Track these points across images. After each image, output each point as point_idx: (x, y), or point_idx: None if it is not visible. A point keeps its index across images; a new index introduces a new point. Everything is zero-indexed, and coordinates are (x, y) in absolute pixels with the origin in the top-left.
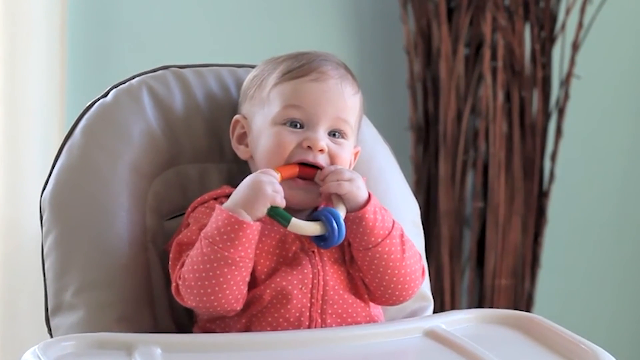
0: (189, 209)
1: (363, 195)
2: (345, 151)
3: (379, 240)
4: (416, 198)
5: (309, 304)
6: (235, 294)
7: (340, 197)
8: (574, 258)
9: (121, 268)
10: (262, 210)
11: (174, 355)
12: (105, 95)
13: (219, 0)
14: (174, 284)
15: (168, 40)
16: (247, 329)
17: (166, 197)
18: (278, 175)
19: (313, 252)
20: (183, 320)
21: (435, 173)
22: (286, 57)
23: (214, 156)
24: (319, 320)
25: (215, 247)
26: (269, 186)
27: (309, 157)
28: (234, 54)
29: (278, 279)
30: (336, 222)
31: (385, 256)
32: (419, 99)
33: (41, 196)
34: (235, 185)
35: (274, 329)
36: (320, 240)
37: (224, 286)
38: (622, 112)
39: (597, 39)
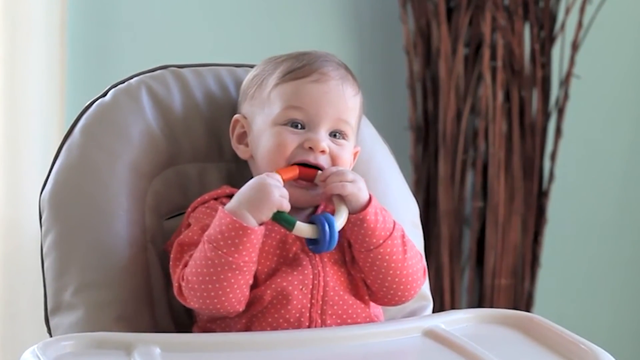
0: (189, 209)
1: (365, 197)
2: (346, 152)
3: (381, 241)
4: (416, 198)
5: (309, 305)
6: (238, 296)
7: (342, 199)
8: (574, 258)
9: (120, 268)
10: (268, 215)
11: (174, 355)
12: (104, 95)
13: (219, 0)
14: (176, 284)
15: (167, 40)
16: (247, 329)
17: (165, 197)
18: (280, 178)
19: (313, 253)
20: (182, 320)
21: (435, 173)
22: (287, 57)
23: (213, 156)
24: (319, 321)
25: (220, 252)
26: (276, 190)
27: (310, 158)
28: (234, 54)
29: (278, 280)
30: (330, 229)
31: (387, 257)
32: (419, 98)
33: (40, 196)
34: (235, 185)
35: (274, 329)
36: (311, 244)
37: (227, 290)
38: (622, 112)
39: (596, 38)
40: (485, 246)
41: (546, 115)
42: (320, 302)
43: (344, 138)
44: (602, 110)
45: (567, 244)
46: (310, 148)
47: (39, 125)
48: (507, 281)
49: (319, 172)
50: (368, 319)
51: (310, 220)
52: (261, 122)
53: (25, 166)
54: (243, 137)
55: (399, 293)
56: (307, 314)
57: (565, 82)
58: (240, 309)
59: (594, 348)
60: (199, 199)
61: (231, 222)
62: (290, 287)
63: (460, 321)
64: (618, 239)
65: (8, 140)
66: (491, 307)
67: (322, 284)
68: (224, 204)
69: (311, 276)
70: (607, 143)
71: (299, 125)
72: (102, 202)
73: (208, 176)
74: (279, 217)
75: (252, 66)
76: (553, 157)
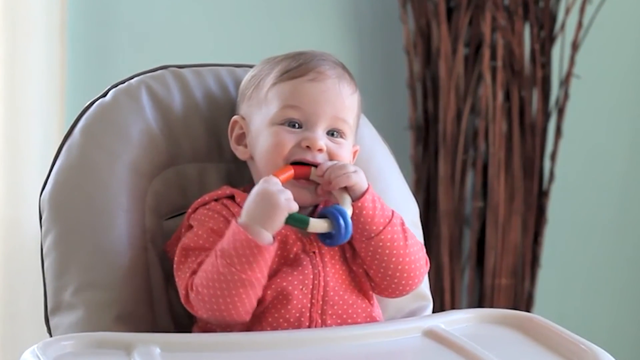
0: (190, 210)
1: (365, 186)
2: (344, 150)
3: (380, 228)
4: (416, 198)
5: (309, 305)
6: (247, 308)
7: (346, 190)
8: (574, 258)
9: (120, 268)
10: (281, 221)
11: (173, 355)
12: (104, 95)
13: (219, 0)
14: (183, 292)
15: (167, 40)
16: (247, 329)
17: (165, 197)
18: (278, 181)
19: (314, 253)
20: (182, 320)
21: (435, 173)
22: (283, 57)
23: (213, 156)
24: (319, 321)
25: (233, 269)
26: (281, 195)
27: (308, 157)
28: (234, 54)
29: (279, 280)
30: (343, 219)
31: (389, 244)
32: (419, 98)
33: (40, 196)
34: (234, 185)
35: (274, 329)
36: (326, 238)
37: (238, 304)
38: (622, 112)
39: (596, 38)
40: (485, 246)
41: (546, 115)
42: (321, 302)
43: (341, 137)
44: (602, 110)
45: (567, 244)
46: (307, 147)
47: (39, 125)
48: (507, 281)
49: (313, 168)
50: (369, 319)
51: (320, 215)
52: (259, 122)
53: (25, 166)
54: (242, 138)
55: (403, 282)
56: (307, 314)
57: (565, 82)
58: (248, 319)
59: (594, 348)
60: (199, 200)
61: (246, 240)
62: (290, 287)
63: (460, 321)
64: (618, 239)
65: (8, 140)
66: (491, 307)
67: (322, 284)
68: (225, 205)
69: (311, 276)
70: (607, 143)
71: (297, 125)
72: (102, 202)
73: (208, 176)
74: (291, 220)
75: (252, 66)
76: (553, 157)
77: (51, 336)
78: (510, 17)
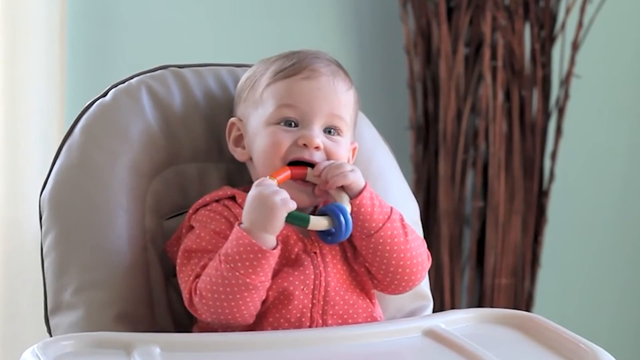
0: (190, 211)
1: (362, 184)
2: (342, 148)
3: (380, 224)
4: (416, 197)
5: (310, 305)
6: (251, 311)
7: (343, 189)
8: (574, 257)
9: (120, 267)
10: (281, 222)
11: (173, 355)
12: (105, 95)
13: (219, 0)
14: (187, 296)
15: (167, 40)
16: (248, 328)
17: (165, 197)
18: (274, 182)
19: (315, 253)
20: (182, 320)
21: (435, 172)
22: (277, 57)
23: (213, 156)
24: (320, 321)
25: (237, 273)
26: (276, 196)
27: (305, 155)
28: (234, 54)
29: (280, 280)
30: (344, 216)
31: (389, 240)
32: (419, 98)
33: (40, 196)
34: (235, 185)
35: (275, 329)
36: (327, 235)
37: (242, 307)
38: (623, 112)
39: (597, 38)
40: (485, 246)
41: (546, 115)
42: (322, 302)
43: (338, 134)
44: (602, 110)
45: (568, 243)
46: (304, 145)
47: (39, 125)
48: (507, 281)
49: (310, 169)
50: (369, 319)
51: (320, 213)
52: (255, 123)
53: (25, 166)
54: (239, 140)
55: (405, 277)
56: (308, 314)
57: (565, 82)
58: (251, 321)
59: (594, 348)
60: (199, 201)
61: (250, 244)
62: (291, 288)
63: (460, 321)
64: (618, 239)
65: (8, 140)
66: (491, 306)
67: (323, 284)
68: (226, 206)
69: (312, 276)
70: (607, 143)
71: (293, 124)
72: (102, 202)
73: (208, 176)
74: (291, 219)
75: (252, 66)
76: (553, 156)
77: (51, 336)
78: (511, 17)
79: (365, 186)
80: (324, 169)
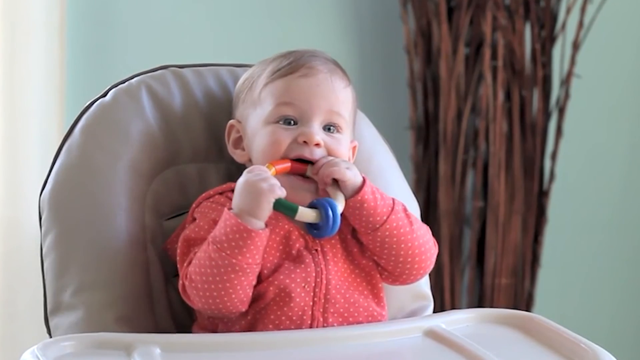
0: (194, 205)
1: (359, 181)
2: (342, 145)
3: (384, 217)
4: (416, 197)
5: (311, 303)
6: (241, 297)
7: (338, 186)
8: (574, 257)
9: (120, 268)
10: (268, 208)
11: (174, 355)
12: (105, 95)
13: (219, 0)
14: (180, 282)
15: (167, 39)
16: (250, 326)
17: (165, 197)
18: (272, 170)
19: (316, 250)
20: (183, 320)
21: (435, 172)
22: (275, 57)
23: (213, 156)
24: (321, 319)
25: (223, 254)
26: (263, 183)
27: (306, 153)
28: (234, 54)
29: (281, 277)
30: (332, 212)
31: (395, 232)
32: (419, 98)
33: (40, 196)
34: None
35: (276, 326)
36: (314, 229)
37: (230, 291)
38: (623, 112)
39: (597, 38)
40: (485, 246)
41: (547, 115)
42: (323, 300)
43: (338, 131)
44: (603, 110)
45: (568, 243)
46: (304, 142)
47: (39, 125)
48: (507, 281)
49: (310, 165)
50: (370, 318)
51: (310, 206)
52: (254, 123)
53: (25, 166)
54: (239, 142)
55: (415, 266)
56: (309, 312)
57: (566, 82)
58: (243, 309)
59: (595, 347)
60: (203, 195)
61: (236, 224)
62: (293, 285)
63: (460, 321)
64: (619, 239)
65: (8, 140)
66: (491, 306)
67: (324, 281)
68: (229, 198)
69: (314, 274)
70: (608, 143)
71: (292, 122)
72: (102, 202)
73: (208, 176)
74: (279, 206)
75: (251, 66)
76: (554, 156)
77: (51, 337)
78: (511, 17)
79: (364, 182)
80: (321, 166)
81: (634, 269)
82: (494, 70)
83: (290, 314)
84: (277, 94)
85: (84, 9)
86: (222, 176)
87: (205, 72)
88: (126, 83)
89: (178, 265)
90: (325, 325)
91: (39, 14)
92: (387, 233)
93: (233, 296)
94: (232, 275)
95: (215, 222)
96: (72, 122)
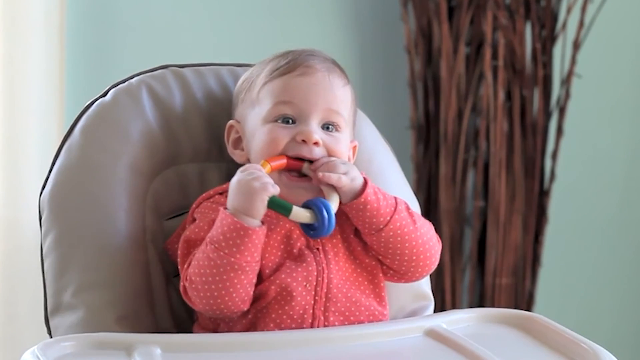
0: (194, 205)
1: (360, 183)
2: (341, 144)
3: (388, 218)
4: (417, 197)
5: (312, 302)
6: (242, 296)
7: (334, 188)
8: (575, 257)
9: (121, 268)
10: (262, 207)
11: (174, 355)
12: (105, 94)
13: (219, 0)
14: (181, 284)
15: (167, 39)
16: (251, 325)
17: (165, 197)
18: (267, 167)
19: (318, 249)
20: (183, 320)
21: (436, 172)
22: (273, 57)
23: (214, 155)
24: (322, 318)
25: (221, 253)
26: (256, 181)
27: (305, 152)
28: (234, 54)
29: (283, 276)
30: (327, 212)
31: (399, 231)
32: (420, 98)
33: (40, 196)
34: None
35: (278, 325)
36: (310, 230)
37: (231, 290)
38: (623, 111)
39: (598, 37)
40: (486, 245)
41: (547, 115)
42: (324, 299)
43: (337, 130)
44: (603, 110)
45: (568, 243)
46: (303, 141)
47: (39, 125)
48: (508, 280)
49: (306, 163)
50: (372, 317)
51: (304, 206)
52: (253, 122)
53: (25, 166)
54: (238, 142)
55: (421, 263)
56: (311, 311)
57: (566, 81)
58: (245, 308)
59: (595, 347)
60: (203, 195)
61: (232, 222)
62: (294, 284)
63: (461, 321)
64: (619, 238)
65: (8, 140)
66: (492, 306)
67: (325, 280)
68: None
69: (315, 273)
70: (608, 142)
71: (290, 120)
72: (102, 202)
73: (208, 176)
74: (274, 205)
75: (252, 66)
76: (554, 156)
77: (51, 337)
78: (512, 16)
79: (366, 183)
80: (320, 166)
81: (634, 269)
82: (495, 70)
83: (291, 312)
84: (275, 92)
85: (84, 9)
86: (223, 176)
87: (206, 71)
88: (126, 83)
89: (179, 267)
90: (326, 324)
91: (39, 14)
92: (391, 233)
93: (234, 295)
94: (232, 274)
95: (214, 223)
96: (72, 122)
